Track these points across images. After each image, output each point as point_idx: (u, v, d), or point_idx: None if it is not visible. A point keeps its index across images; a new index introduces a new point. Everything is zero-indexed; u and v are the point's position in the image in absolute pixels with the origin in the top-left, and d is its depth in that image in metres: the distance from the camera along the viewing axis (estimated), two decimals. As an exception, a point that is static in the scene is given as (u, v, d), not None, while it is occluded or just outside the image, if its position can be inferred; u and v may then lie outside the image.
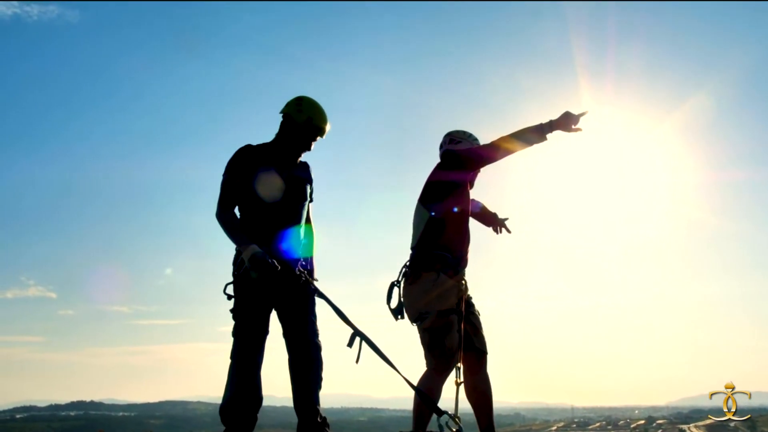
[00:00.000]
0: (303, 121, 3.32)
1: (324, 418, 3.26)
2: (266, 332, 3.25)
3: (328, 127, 3.41)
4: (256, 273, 3.07)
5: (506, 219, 3.85)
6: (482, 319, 3.52)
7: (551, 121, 3.17)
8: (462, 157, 3.39)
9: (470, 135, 3.60)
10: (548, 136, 3.19)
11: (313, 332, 3.29)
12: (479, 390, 3.39)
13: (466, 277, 3.45)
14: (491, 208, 3.87)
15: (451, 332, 3.25)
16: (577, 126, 3.17)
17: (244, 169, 3.26)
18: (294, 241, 3.33)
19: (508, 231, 3.85)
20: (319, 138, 3.40)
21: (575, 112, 3.17)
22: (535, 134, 3.20)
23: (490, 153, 3.28)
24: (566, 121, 3.16)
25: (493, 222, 3.86)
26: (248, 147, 3.33)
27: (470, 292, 3.50)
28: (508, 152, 3.24)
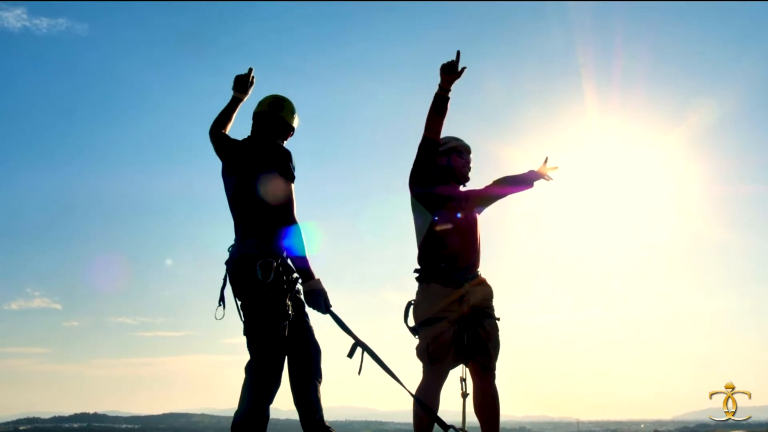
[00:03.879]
0: (293, 128, 3.36)
1: (326, 425, 3.15)
2: (286, 348, 3.07)
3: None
4: (313, 305, 3.05)
5: (545, 161, 3.71)
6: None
7: (439, 84, 3.30)
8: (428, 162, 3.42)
9: (453, 138, 3.60)
10: (449, 95, 3.31)
11: (309, 330, 3.19)
12: (484, 404, 3.36)
13: (491, 285, 3.46)
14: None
15: (440, 344, 3.24)
16: (460, 68, 3.25)
17: None
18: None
19: (553, 172, 3.70)
20: None
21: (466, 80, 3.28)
22: (438, 99, 3.31)
23: (426, 135, 3.38)
24: (447, 74, 3.27)
25: (535, 177, 3.70)
26: None
27: (494, 302, 3.47)
28: (434, 124, 3.35)
